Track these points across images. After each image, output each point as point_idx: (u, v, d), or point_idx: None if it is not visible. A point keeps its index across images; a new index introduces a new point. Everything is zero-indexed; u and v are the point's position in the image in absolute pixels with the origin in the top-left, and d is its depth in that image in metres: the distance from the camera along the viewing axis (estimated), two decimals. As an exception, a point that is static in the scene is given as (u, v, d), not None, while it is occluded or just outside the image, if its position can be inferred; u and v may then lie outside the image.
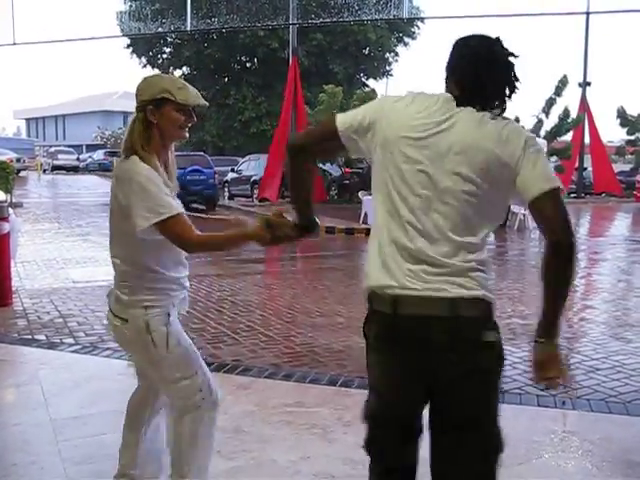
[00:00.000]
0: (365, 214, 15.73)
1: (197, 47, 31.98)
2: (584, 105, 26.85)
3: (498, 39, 2.13)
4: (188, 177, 19.98)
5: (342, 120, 2.20)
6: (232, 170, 25.11)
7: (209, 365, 5.16)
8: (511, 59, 2.11)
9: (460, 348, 2.03)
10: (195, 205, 21.03)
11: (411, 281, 2.03)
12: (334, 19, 23.39)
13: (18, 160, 26.57)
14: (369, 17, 22.16)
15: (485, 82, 2.07)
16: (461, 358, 2.04)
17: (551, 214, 1.96)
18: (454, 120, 2.04)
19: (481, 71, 2.07)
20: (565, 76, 23.70)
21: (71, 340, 6.01)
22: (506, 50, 2.11)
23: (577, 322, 7.33)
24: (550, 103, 23.38)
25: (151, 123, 2.57)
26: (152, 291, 2.60)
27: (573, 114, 24.71)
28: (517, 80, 2.11)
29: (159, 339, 2.60)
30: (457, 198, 2.02)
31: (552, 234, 1.96)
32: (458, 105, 2.07)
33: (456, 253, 2.02)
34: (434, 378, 2.09)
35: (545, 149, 17.83)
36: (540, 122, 23.02)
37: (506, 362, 5.74)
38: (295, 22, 21.52)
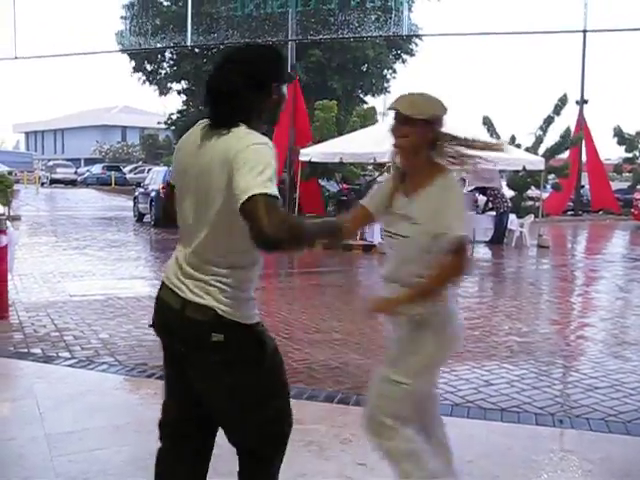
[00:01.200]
0: (363, 230, 15.66)
1: (196, 62, 32.05)
2: (581, 123, 26.92)
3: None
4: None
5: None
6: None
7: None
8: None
9: None
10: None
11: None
12: (333, 36, 23.50)
13: (10, 173, 26.73)
14: (369, 34, 22.28)
15: None
16: None
17: None
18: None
19: None
20: (565, 95, 23.77)
21: (67, 354, 5.98)
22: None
23: (575, 340, 7.31)
24: (548, 121, 23.45)
25: None
26: None
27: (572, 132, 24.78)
28: None
29: None
30: None
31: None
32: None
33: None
34: None
35: (542, 167, 17.90)
36: (539, 140, 23.06)
37: (503, 380, 5.76)
38: (294, 38, 21.61)
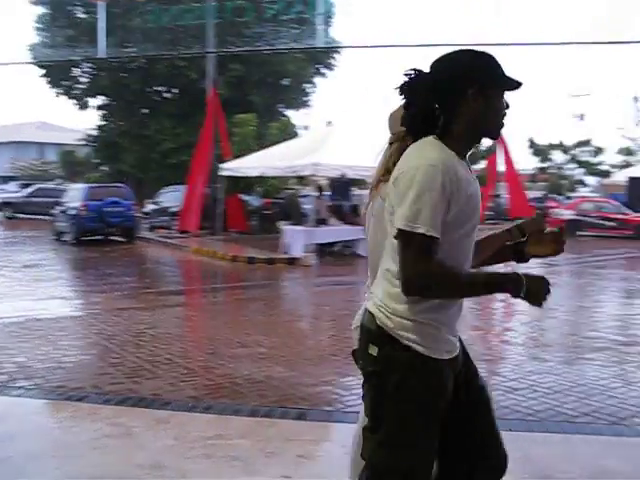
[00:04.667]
0: (286, 244, 15.58)
1: (114, 77, 31.41)
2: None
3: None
4: (106, 209, 19.59)
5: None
6: (152, 201, 24.80)
7: (127, 399, 5.04)
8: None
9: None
10: (114, 237, 20.59)
11: None
12: (249, 48, 23.60)
13: None
14: (284, 46, 22.47)
15: None
16: None
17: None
18: None
19: None
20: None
21: (-20, 380, 5.74)
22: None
23: (496, 344, 7.49)
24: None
25: None
26: None
27: (487, 142, 25.48)
28: None
29: None
30: None
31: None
32: None
33: None
34: None
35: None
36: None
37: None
38: (212, 51, 21.56)
